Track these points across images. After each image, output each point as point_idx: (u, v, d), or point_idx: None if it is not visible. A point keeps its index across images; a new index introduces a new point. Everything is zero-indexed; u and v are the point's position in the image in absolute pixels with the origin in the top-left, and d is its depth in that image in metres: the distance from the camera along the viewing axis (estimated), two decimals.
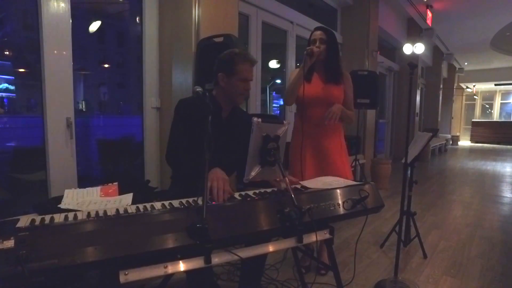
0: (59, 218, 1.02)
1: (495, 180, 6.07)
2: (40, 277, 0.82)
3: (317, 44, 2.04)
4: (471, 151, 11.56)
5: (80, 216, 1.03)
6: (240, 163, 1.75)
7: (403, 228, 2.53)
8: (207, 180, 1.16)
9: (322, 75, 2.12)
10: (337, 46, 2.14)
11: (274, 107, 5.41)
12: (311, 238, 1.28)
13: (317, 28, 2.11)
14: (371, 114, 5.41)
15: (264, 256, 1.63)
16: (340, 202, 1.40)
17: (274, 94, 5.31)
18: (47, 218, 1.01)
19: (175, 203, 1.22)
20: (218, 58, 1.64)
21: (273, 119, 2.08)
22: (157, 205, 1.19)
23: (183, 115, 1.62)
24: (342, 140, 2.20)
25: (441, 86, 10.24)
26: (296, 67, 4.17)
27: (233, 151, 1.68)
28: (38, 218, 1.01)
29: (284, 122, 1.38)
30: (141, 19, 2.61)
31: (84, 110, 2.92)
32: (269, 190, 1.44)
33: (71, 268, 0.86)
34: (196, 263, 1.03)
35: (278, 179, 1.44)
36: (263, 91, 4.12)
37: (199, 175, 1.13)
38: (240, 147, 1.68)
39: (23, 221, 1.00)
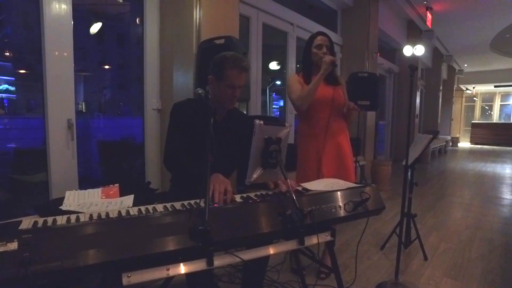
0: (61, 220, 1.01)
1: (495, 181, 6.07)
2: (44, 280, 0.83)
3: (324, 49, 2.11)
4: (471, 152, 11.57)
5: (82, 218, 1.03)
6: (237, 165, 1.74)
7: (404, 230, 2.53)
8: (209, 181, 1.16)
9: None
10: (334, 50, 2.22)
11: (274, 108, 5.41)
12: (313, 240, 1.28)
13: (319, 33, 2.17)
14: (371, 115, 5.41)
15: (266, 258, 1.63)
16: (341, 204, 1.40)
17: (274, 95, 5.31)
18: (50, 220, 1.01)
19: (177, 205, 1.21)
20: (211, 59, 1.62)
21: (275, 121, 2.08)
22: (159, 207, 1.18)
23: (179, 119, 1.61)
24: (348, 139, 2.28)
25: (441, 87, 10.26)
26: (296, 68, 4.18)
27: (228, 153, 1.67)
28: (40, 220, 1.01)
29: (286, 124, 1.38)
30: (142, 21, 2.62)
31: (85, 111, 2.92)
32: (270, 192, 1.44)
33: (74, 270, 0.86)
34: (198, 265, 1.03)
35: (279, 181, 1.44)
36: (263, 92, 4.12)
37: (199, 178, 1.12)
38: (235, 149, 1.68)
39: (26, 223, 1.00)
